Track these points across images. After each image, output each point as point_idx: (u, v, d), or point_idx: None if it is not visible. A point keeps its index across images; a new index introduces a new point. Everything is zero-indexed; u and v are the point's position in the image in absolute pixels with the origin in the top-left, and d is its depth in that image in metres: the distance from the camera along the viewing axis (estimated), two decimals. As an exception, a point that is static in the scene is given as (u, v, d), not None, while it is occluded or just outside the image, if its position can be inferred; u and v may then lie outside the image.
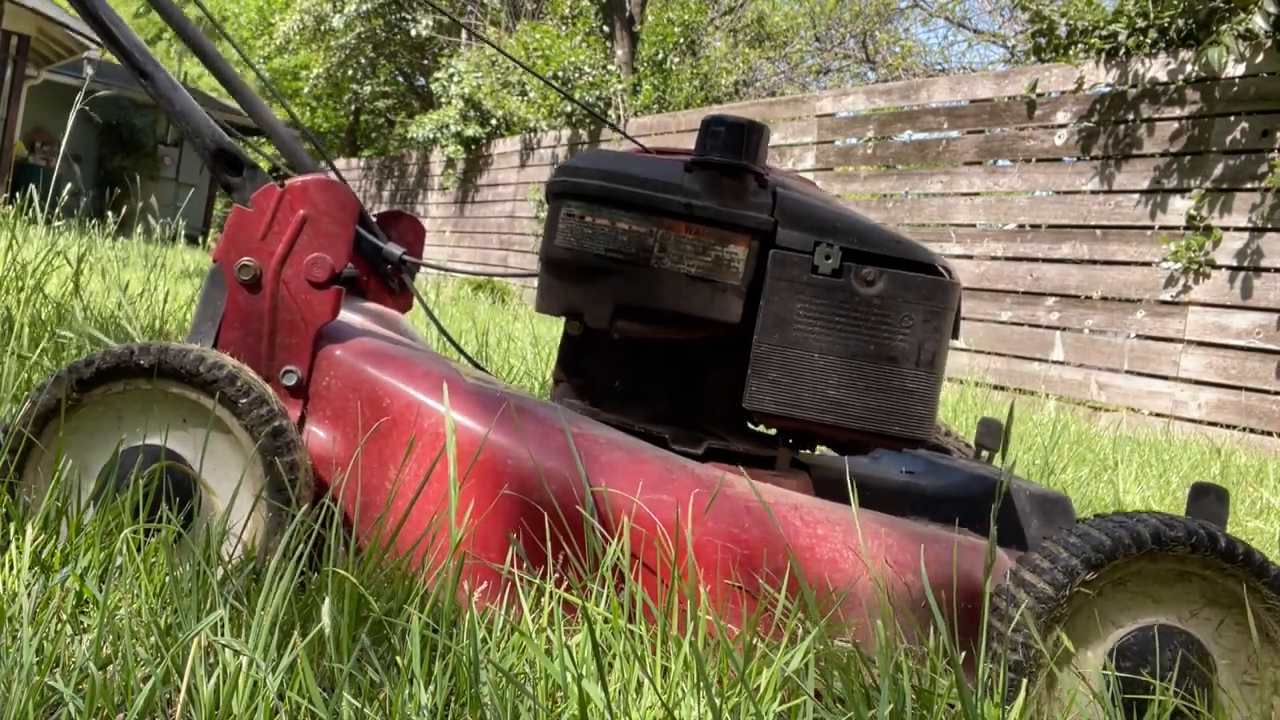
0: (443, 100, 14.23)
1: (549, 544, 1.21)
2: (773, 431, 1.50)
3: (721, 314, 1.39)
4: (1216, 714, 1.12)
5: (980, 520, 1.43)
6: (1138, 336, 4.98)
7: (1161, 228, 4.89)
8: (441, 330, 1.88)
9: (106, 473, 1.23)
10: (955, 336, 1.47)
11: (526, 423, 1.29)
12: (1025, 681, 1.09)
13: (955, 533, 1.31)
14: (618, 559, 1.15)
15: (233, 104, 19.88)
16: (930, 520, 1.40)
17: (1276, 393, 4.41)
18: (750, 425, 1.51)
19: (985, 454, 1.85)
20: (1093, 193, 5.21)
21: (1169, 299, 4.83)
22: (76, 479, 1.24)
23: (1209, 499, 1.31)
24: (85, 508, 1.22)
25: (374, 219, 1.81)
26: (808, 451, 1.58)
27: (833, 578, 1.20)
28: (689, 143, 7.36)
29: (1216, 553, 1.13)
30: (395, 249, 1.76)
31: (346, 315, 1.49)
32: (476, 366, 1.73)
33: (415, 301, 1.86)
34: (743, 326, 1.40)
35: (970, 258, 5.81)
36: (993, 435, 1.85)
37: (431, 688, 0.94)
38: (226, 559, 1.18)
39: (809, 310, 1.37)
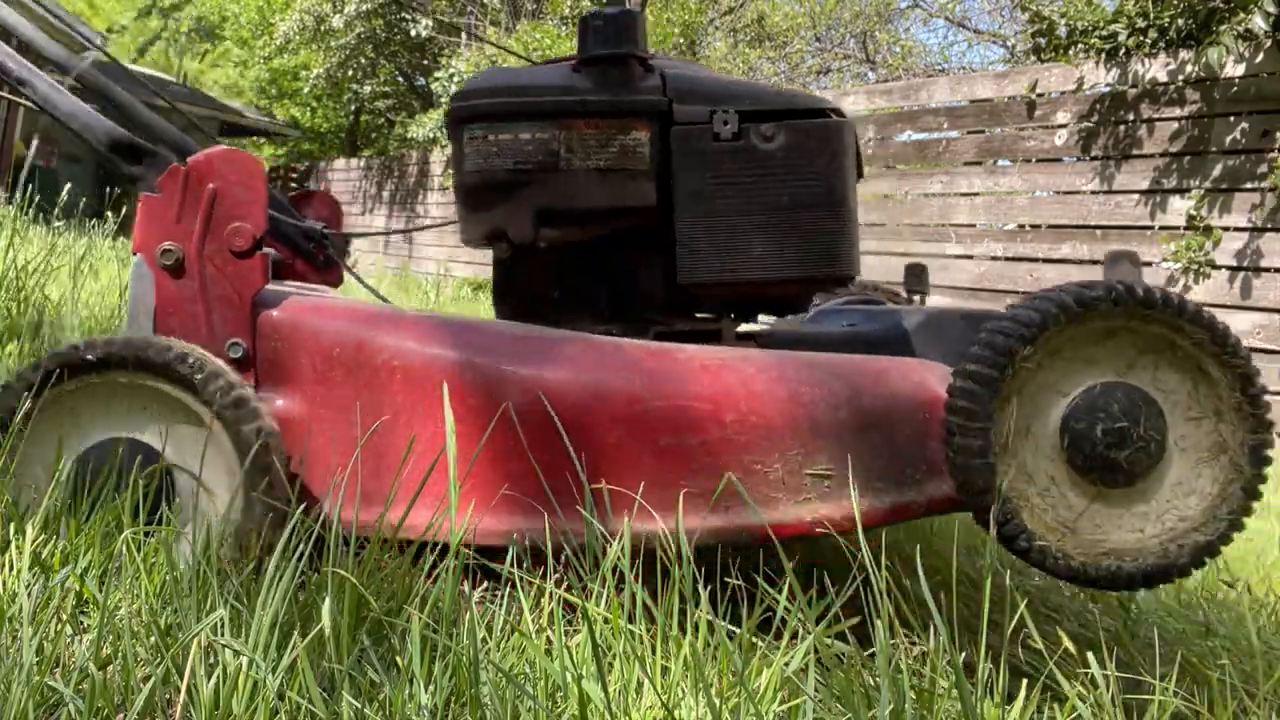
0: (443, 100, 14.22)
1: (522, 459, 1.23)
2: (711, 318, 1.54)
3: (637, 200, 1.43)
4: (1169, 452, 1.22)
5: (922, 351, 1.50)
6: (1138, 337, 4.98)
7: (1161, 228, 4.89)
8: (372, 291, 1.92)
9: (74, 471, 1.23)
10: (860, 176, 1.53)
11: (477, 336, 1.31)
12: (990, 465, 1.16)
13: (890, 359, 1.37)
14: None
15: (233, 104, 19.87)
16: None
17: (1277, 393, 4.41)
18: (692, 309, 1.54)
19: (916, 299, 1.94)
20: (1093, 193, 5.21)
21: (1169, 299, 4.83)
22: (41, 481, 1.25)
23: (1123, 264, 1.39)
24: (62, 510, 1.23)
25: (286, 200, 1.84)
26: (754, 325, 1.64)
27: (793, 410, 1.25)
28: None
29: (1136, 302, 1.19)
30: (315, 224, 1.79)
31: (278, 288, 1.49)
32: None
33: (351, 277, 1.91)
34: (661, 209, 1.44)
35: (970, 258, 5.81)
36: (919, 279, 1.94)
37: (431, 688, 0.94)
38: (218, 543, 1.18)
39: (719, 177, 1.41)
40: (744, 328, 1.65)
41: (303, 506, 1.25)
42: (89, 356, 1.23)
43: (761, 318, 1.67)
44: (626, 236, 1.50)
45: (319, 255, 1.84)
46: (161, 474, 1.25)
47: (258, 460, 1.22)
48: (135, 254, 1.35)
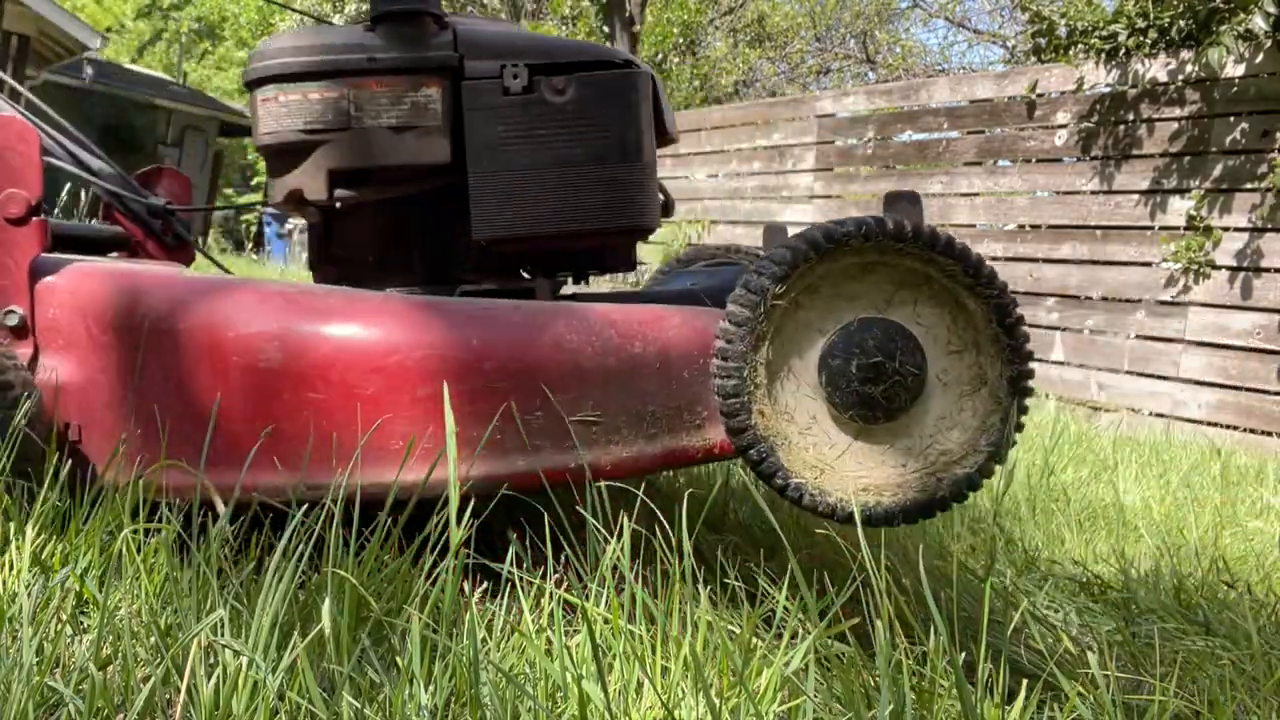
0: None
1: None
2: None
3: (431, 157, 1.43)
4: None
5: None
6: (1138, 337, 4.97)
7: (1161, 228, 4.89)
8: (221, 267, 1.92)
9: None
10: (664, 131, 1.52)
11: (246, 295, 1.30)
12: (745, 404, 1.17)
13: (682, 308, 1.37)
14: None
15: (234, 105, 19.85)
16: None
17: (1276, 393, 4.41)
18: (508, 269, 1.54)
19: None
20: (1093, 193, 5.21)
21: (1169, 299, 4.83)
22: None
23: (902, 203, 1.37)
24: None
25: (133, 178, 1.84)
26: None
27: (557, 357, 1.25)
28: (689, 143, 7.27)
29: (886, 235, 1.19)
30: (159, 201, 1.79)
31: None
32: None
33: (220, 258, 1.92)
34: (456, 165, 1.43)
35: (970, 258, 5.81)
36: (778, 238, 1.94)
37: (431, 688, 0.94)
38: None
39: (510, 131, 1.41)
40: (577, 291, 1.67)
41: (77, 471, 1.26)
42: None
43: (597, 280, 1.69)
44: (429, 196, 1.50)
45: (168, 233, 1.83)
46: None
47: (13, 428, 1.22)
48: None
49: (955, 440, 1.25)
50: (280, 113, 1.42)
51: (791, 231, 1.43)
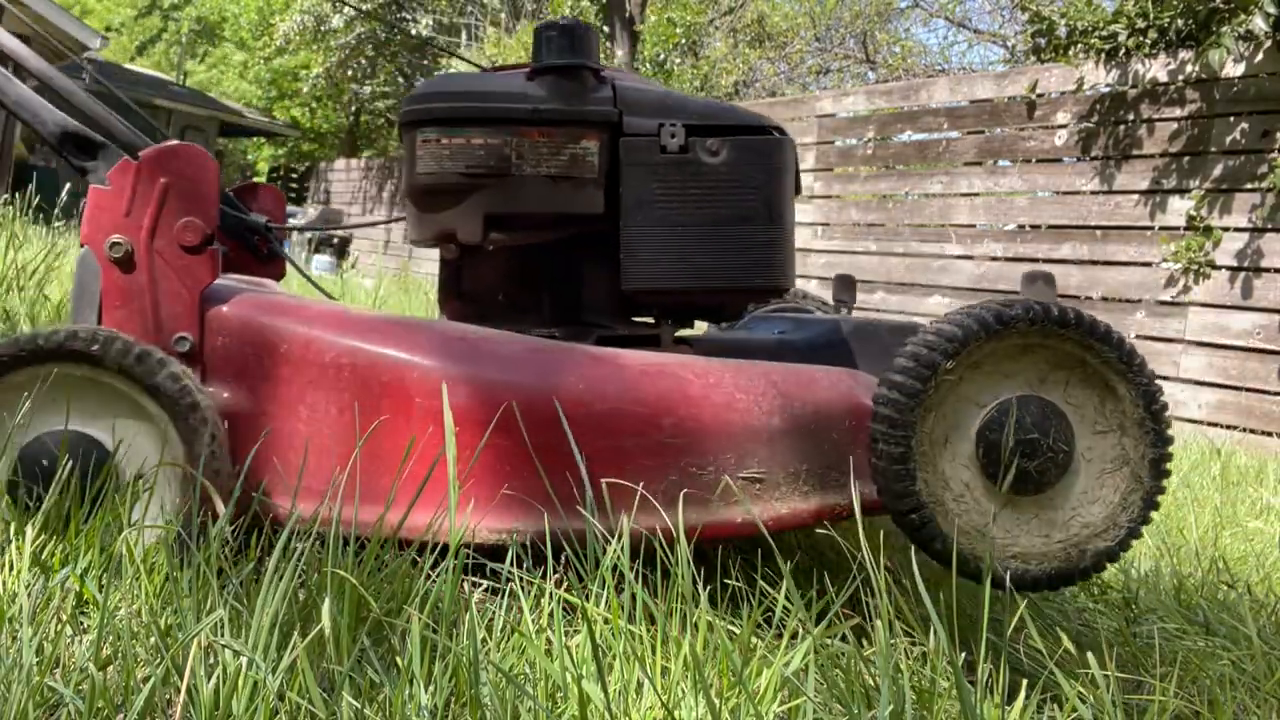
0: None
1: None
2: (652, 320, 1.61)
3: (585, 207, 1.47)
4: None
5: (849, 360, 1.57)
6: (1138, 337, 4.97)
7: (1161, 228, 4.89)
8: (316, 286, 1.93)
9: (17, 465, 1.24)
10: (798, 192, 1.58)
11: (420, 335, 1.34)
12: (910, 471, 1.23)
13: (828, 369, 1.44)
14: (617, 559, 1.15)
15: (234, 105, 19.86)
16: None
17: (1276, 393, 4.41)
18: (632, 314, 1.59)
19: (843, 309, 2.02)
20: (1093, 193, 5.21)
21: (1169, 299, 4.83)
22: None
23: (1039, 284, 1.47)
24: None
25: (230, 193, 1.86)
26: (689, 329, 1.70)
27: (728, 416, 1.31)
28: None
29: (1051, 321, 1.27)
30: (259, 218, 1.81)
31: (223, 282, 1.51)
32: None
33: (296, 271, 1.94)
34: (607, 216, 1.48)
35: (970, 258, 5.81)
36: (847, 289, 2.04)
37: (431, 688, 0.94)
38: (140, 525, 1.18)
39: (664, 188, 1.46)
40: (682, 332, 1.70)
41: (251, 501, 1.27)
42: (42, 345, 1.24)
43: (697, 324, 1.73)
44: (572, 242, 1.54)
45: (262, 248, 1.85)
46: (109, 468, 1.25)
47: (201, 453, 1.23)
48: (82, 245, 1.36)
49: (1097, 515, 1.32)
50: (441, 155, 1.45)
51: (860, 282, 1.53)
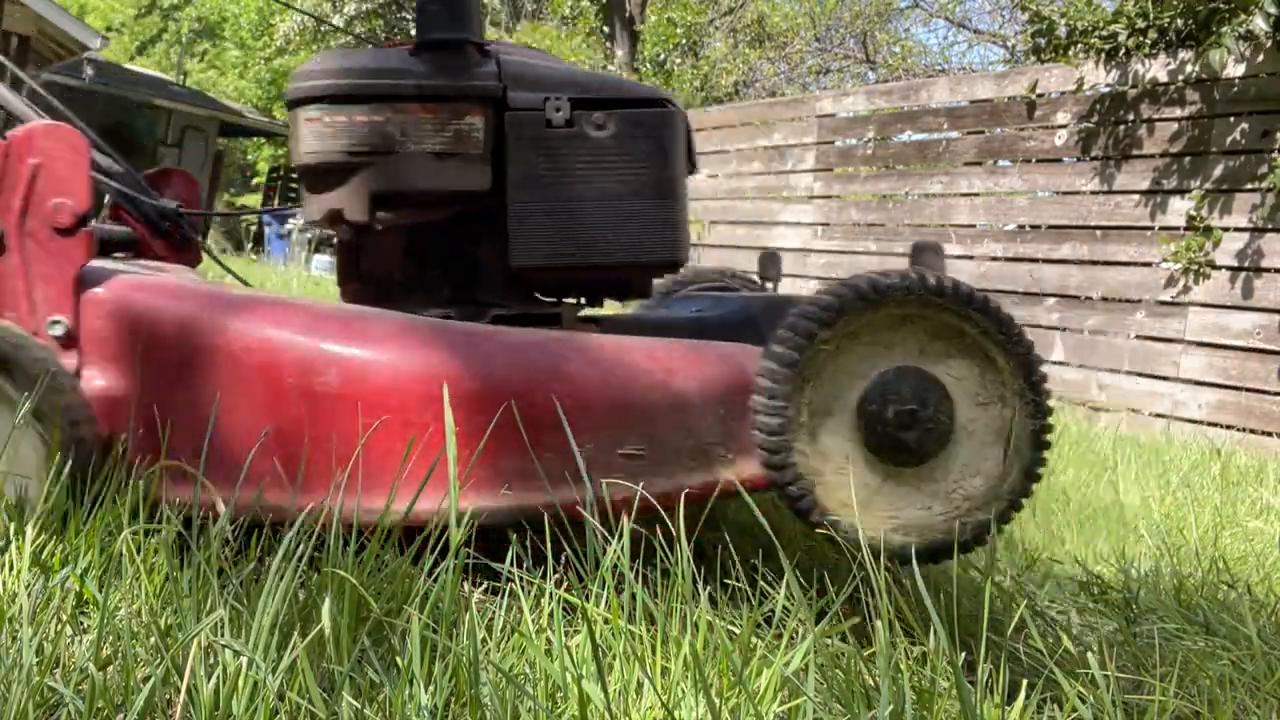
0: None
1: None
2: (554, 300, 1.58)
3: (472, 184, 1.45)
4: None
5: (761, 337, 1.54)
6: (1138, 337, 4.97)
7: (1161, 228, 4.89)
8: (230, 272, 1.92)
9: None
10: (693, 168, 1.55)
11: (294, 316, 1.32)
12: (787, 443, 1.22)
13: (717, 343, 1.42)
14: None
15: (234, 105, 19.84)
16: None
17: (1277, 393, 4.41)
18: (533, 293, 1.57)
19: (769, 285, 2.01)
20: (1093, 193, 5.21)
21: (1169, 299, 4.83)
22: None
23: (928, 253, 1.46)
24: None
25: (143, 178, 1.84)
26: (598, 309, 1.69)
27: (606, 393, 1.29)
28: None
29: (928, 290, 1.26)
30: (169, 203, 1.79)
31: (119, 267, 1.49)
32: None
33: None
34: (496, 193, 1.46)
35: (970, 258, 5.81)
36: (773, 265, 2.03)
37: (431, 688, 0.94)
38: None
39: (550, 162, 1.44)
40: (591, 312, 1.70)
41: (124, 483, 1.26)
42: None
43: (609, 303, 1.72)
44: (464, 220, 1.52)
45: (175, 234, 1.83)
46: None
47: (67, 437, 1.22)
48: None
49: (978, 487, 1.31)
50: (324, 133, 1.43)
51: (784, 252, 1.48)
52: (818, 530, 1.27)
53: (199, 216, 1.88)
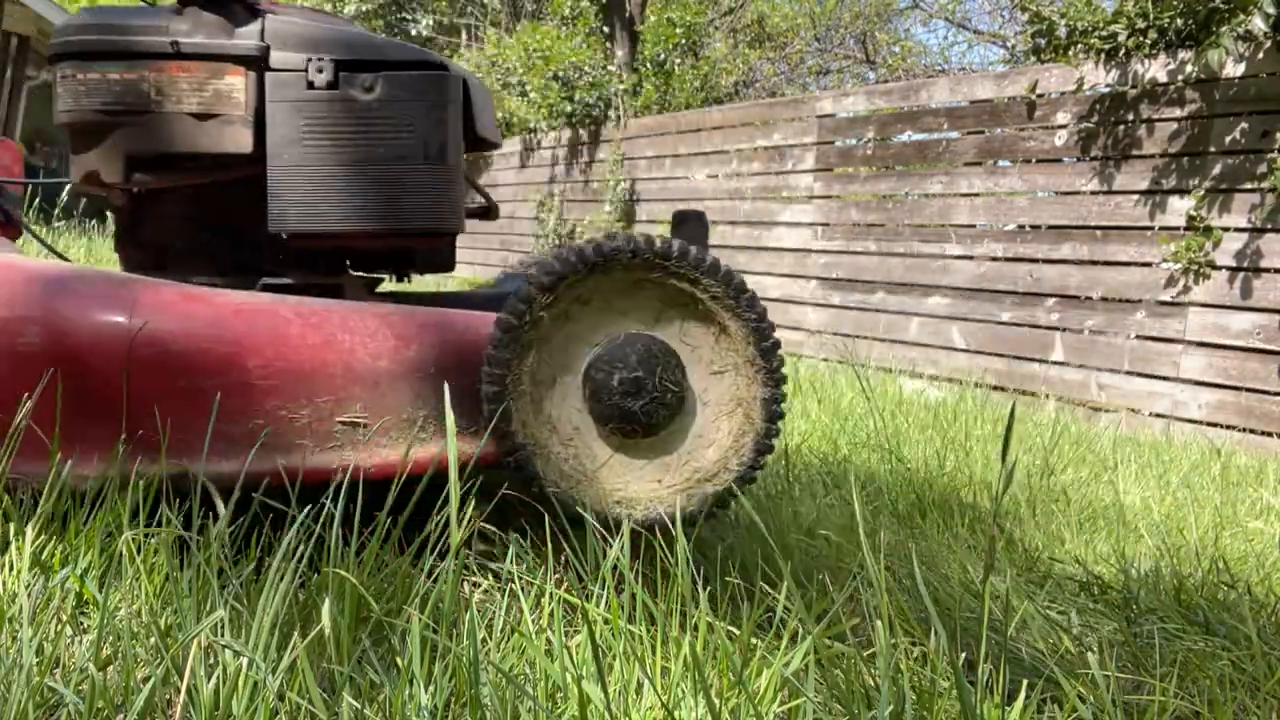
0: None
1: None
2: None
3: (233, 146, 1.41)
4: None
5: None
6: (1138, 337, 4.97)
7: (1161, 228, 4.89)
8: (49, 248, 1.89)
9: None
10: (474, 138, 1.50)
11: (29, 281, 1.28)
12: (506, 410, 1.18)
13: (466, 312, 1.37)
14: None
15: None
16: None
17: (1277, 393, 4.41)
18: (312, 263, 1.53)
19: None
20: (1092, 193, 5.21)
21: (1169, 300, 4.83)
22: None
23: (690, 223, 1.42)
24: None
25: None
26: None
27: (325, 357, 1.24)
28: (689, 143, 7.30)
29: (656, 254, 1.22)
30: None
31: None
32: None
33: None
34: (259, 156, 1.42)
35: (970, 258, 5.81)
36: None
37: (431, 688, 0.94)
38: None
39: (312, 126, 1.40)
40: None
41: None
42: None
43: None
44: (232, 186, 1.48)
45: None
46: None
47: None
48: None
49: (709, 459, 1.27)
50: (78, 90, 1.39)
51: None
52: (539, 503, 1.23)
53: (17, 186, 1.83)
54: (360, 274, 1.59)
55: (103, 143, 1.41)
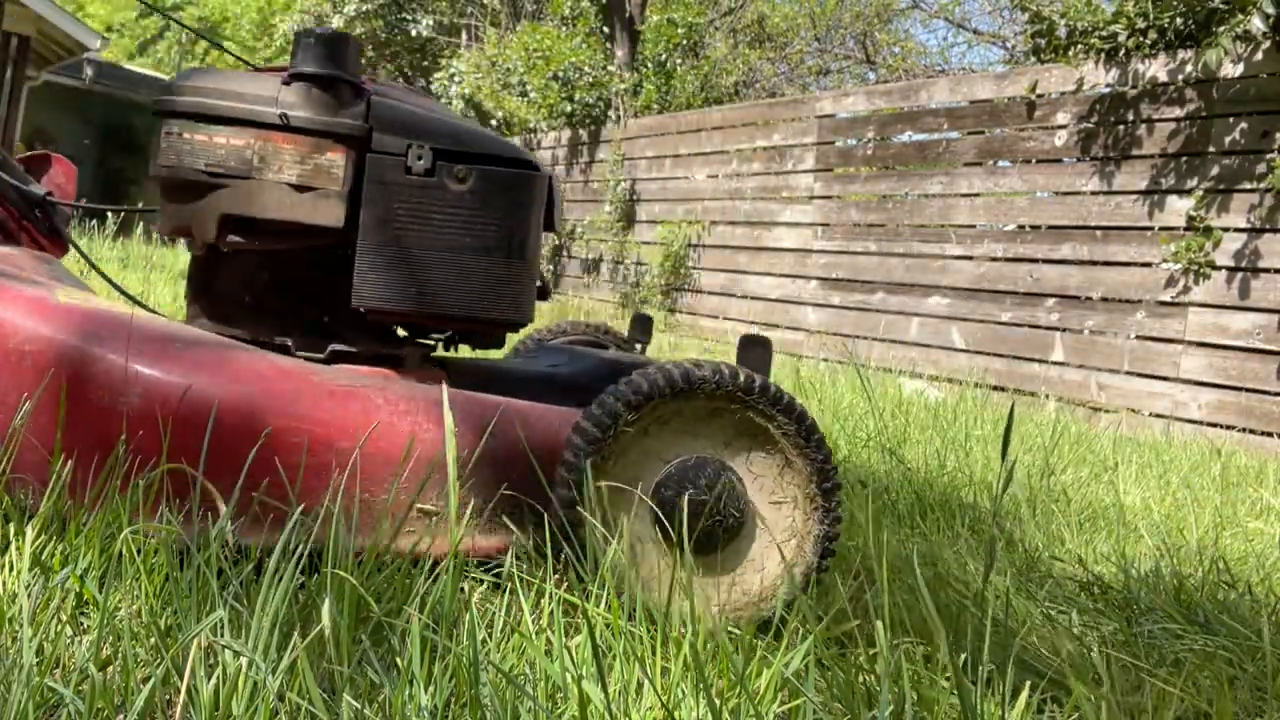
0: (443, 101, 14.21)
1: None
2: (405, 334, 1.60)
3: (327, 219, 1.45)
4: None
5: None
6: (1138, 337, 4.98)
7: (1161, 228, 4.89)
8: (95, 268, 1.90)
9: None
10: (550, 228, 1.56)
11: (106, 328, 1.31)
12: (578, 515, 1.23)
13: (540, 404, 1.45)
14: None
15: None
16: (567, 404, 1.50)
17: (1276, 393, 4.41)
18: (379, 332, 1.58)
19: (639, 346, 2.05)
20: (1092, 193, 5.21)
21: (1169, 300, 4.83)
22: None
23: (756, 349, 1.47)
24: None
25: (17, 163, 1.82)
26: (450, 353, 1.70)
27: (395, 443, 1.30)
28: (689, 143, 7.33)
29: (738, 388, 1.29)
30: (38, 190, 1.76)
31: None
32: (139, 305, 1.75)
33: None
34: (351, 231, 1.47)
35: (970, 258, 5.81)
36: (643, 329, 2.07)
37: (431, 689, 0.94)
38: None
39: (406, 209, 1.45)
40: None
41: None
42: None
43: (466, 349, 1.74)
44: (318, 253, 1.53)
45: (45, 222, 1.79)
46: None
47: None
48: None
49: (757, 584, 1.32)
50: (182, 149, 1.44)
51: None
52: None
53: (70, 207, 1.85)
54: (420, 341, 1.64)
55: (200, 201, 1.45)
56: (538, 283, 1.56)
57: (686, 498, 1.27)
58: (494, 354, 2.08)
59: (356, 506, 1.27)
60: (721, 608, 1.29)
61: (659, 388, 1.27)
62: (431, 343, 1.64)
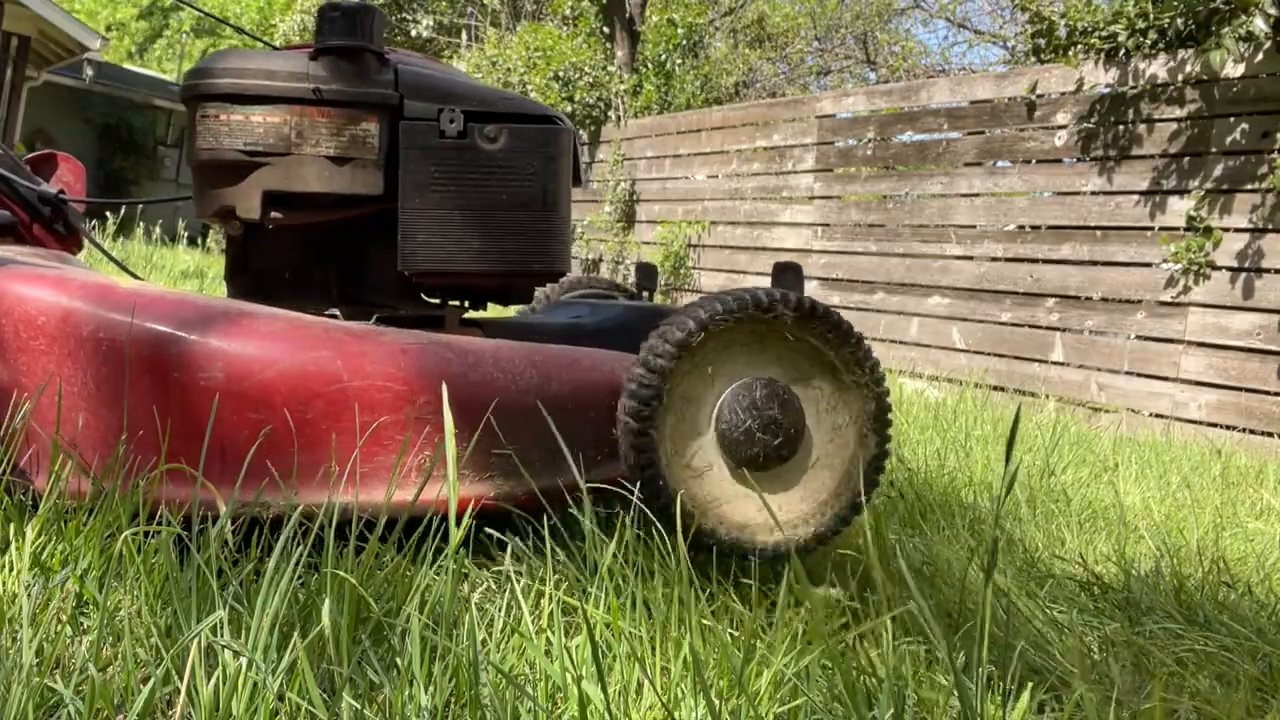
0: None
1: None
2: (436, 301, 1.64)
3: (365, 189, 1.49)
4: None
5: (633, 344, 1.58)
6: (1138, 337, 4.97)
7: (1161, 228, 4.89)
8: (112, 259, 1.92)
9: None
10: (579, 183, 1.62)
11: (180, 309, 1.31)
12: (652, 448, 1.25)
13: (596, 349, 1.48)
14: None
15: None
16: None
17: (1277, 393, 4.41)
18: (419, 295, 1.62)
19: (645, 294, 2.10)
20: (1093, 193, 5.21)
21: (1169, 300, 4.83)
22: None
23: (788, 274, 1.51)
24: None
25: (25, 163, 1.84)
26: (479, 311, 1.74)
27: (485, 394, 1.32)
28: (689, 143, 7.34)
29: (790, 308, 1.31)
30: (50, 189, 1.79)
31: None
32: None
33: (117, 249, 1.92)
34: (388, 198, 1.50)
35: (970, 259, 5.81)
36: (648, 276, 2.12)
37: (431, 689, 0.94)
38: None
39: (442, 172, 1.49)
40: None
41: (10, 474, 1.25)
42: None
43: (492, 306, 1.76)
44: (355, 223, 1.56)
45: (58, 221, 1.82)
46: None
47: None
48: None
49: (809, 501, 1.36)
50: (220, 131, 1.45)
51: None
52: (673, 529, 1.30)
53: (81, 203, 1.87)
54: (453, 303, 1.68)
55: (242, 181, 1.47)
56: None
57: (748, 416, 1.29)
58: (507, 312, 2.09)
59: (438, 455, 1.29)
60: (787, 522, 1.33)
61: (729, 313, 1.28)
62: (462, 304, 1.67)
